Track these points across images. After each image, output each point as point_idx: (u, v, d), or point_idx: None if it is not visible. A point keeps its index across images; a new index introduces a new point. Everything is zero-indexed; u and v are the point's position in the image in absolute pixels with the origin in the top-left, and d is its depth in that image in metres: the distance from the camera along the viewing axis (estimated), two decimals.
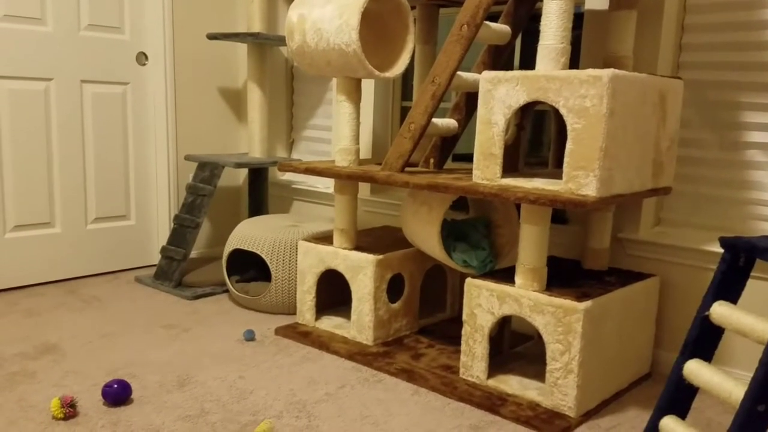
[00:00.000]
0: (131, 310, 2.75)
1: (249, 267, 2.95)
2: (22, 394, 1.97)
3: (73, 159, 3.07)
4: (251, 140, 3.28)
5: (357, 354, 2.30)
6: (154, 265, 3.42)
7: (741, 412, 1.33)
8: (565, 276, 2.13)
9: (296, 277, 2.71)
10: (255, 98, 3.24)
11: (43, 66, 2.93)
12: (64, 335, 2.45)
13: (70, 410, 1.82)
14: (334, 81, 3.26)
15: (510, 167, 2.21)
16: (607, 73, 1.69)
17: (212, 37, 3.13)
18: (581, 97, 1.73)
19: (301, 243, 2.55)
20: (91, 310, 2.74)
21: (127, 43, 3.18)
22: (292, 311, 2.75)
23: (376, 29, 2.40)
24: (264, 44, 3.20)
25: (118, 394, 1.91)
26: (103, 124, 3.15)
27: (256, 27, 3.18)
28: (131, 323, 2.60)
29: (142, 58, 3.24)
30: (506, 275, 2.08)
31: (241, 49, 3.56)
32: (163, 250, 3.08)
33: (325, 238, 2.58)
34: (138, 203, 3.34)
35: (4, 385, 2.02)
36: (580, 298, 1.87)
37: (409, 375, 2.15)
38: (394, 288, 2.47)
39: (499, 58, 2.24)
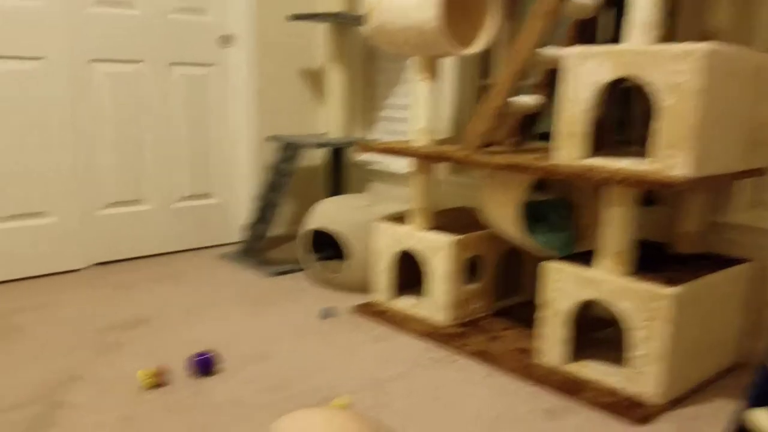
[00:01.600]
0: (216, 286, 2.85)
1: (327, 246, 3.00)
2: (112, 365, 2.08)
3: (162, 139, 3.20)
4: (330, 120, 3.31)
5: (431, 334, 2.30)
6: (237, 243, 3.52)
7: None
8: (651, 260, 2.05)
9: (373, 257, 2.73)
10: (334, 78, 3.27)
11: (134, 49, 3.05)
12: (152, 308, 2.57)
13: (158, 380, 1.91)
14: (413, 60, 3.24)
15: (594, 147, 2.13)
16: (702, 47, 1.60)
17: (295, 18, 3.17)
18: (673, 73, 1.64)
19: (378, 223, 2.56)
20: (179, 285, 2.86)
21: (211, 24, 3.27)
22: (369, 290, 2.78)
23: (457, 5, 2.36)
24: (344, 24, 3.21)
25: (203, 366, 1.98)
26: (189, 105, 3.26)
27: (336, 7, 3.19)
28: (216, 298, 2.69)
29: (225, 40, 3.32)
30: (588, 258, 2.02)
31: (321, 29, 3.59)
32: (245, 228, 3.17)
33: (402, 219, 2.58)
34: (221, 182, 3.44)
35: (95, 356, 2.14)
36: (667, 283, 1.79)
37: (483, 357, 2.13)
38: (470, 269, 2.45)
39: (585, 33, 2.15)
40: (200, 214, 3.39)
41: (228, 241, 3.52)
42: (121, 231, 3.14)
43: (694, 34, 2.19)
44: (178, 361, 2.09)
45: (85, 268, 3.03)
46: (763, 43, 2.07)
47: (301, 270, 3.09)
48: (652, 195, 2.40)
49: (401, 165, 3.34)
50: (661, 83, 1.67)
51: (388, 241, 2.52)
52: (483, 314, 2.50)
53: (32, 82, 2.77)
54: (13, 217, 2.82)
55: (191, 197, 3.35)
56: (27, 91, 2.77)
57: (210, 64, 3.29)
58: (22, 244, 2.85)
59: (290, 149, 3.10)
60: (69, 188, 2.94)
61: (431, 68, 2.31)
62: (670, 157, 1.68)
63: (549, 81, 2.21)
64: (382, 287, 2.58)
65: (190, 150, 3.30)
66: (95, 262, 3.10)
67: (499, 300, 2.59)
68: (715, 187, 2.21)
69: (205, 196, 3.40)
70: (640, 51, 1.70)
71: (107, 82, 2.99)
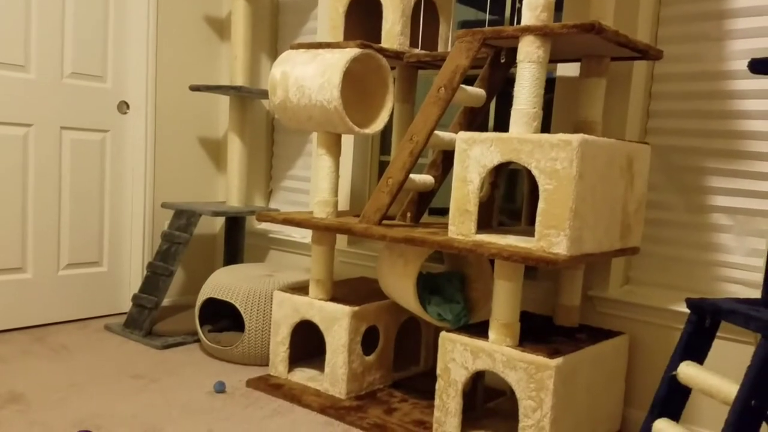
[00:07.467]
0: (99, 360, 2.70)
1: (222, 316, 2.93)
2: None
3: (48, 204, 3.06)
4: (229, 189, 3.30)
5: (329, 408, 2.28)
6: (125, 313, 3.37)
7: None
8: (537, 332, 2.16)
9: (270, 328, 2.70)
10: (235, 148, 3.28)
11: (24, 112, 2.95)
12: (30, 384, 2.40)
13: None
14: (314, 134, 3.32)
15: (484, 223, 2.26)
16: (576, 138, 1.77)
17: (195, 88, 3.19)
18: (552, 159, 1.80)
19: (276, 293, 2.55)
20: (59, 359, 2.69)
21: (109, 91, 3.22)
22: (265, 362, 2.73)
23: (357, 87, 2.47)
24: (246, 97, 3.26)
25: None
26: (80, 170, 3.16)
27: (239, 81, 3.24)
28: (99, 373, 2.55)
29: (123, 106, 3.27)
30: (480, 330, 2.10)
31: (223, 100, 3.62)
32: (135, 297, 3.06)
33: (301, 289, 2.59)
34: (111, 250, 3.31)
35: None
36: (551, 354, 1.89)
37: (381, 430, 2.14)
38: (368, 340, 2.47)
39: (475, 119, 2.31)
40: (88, 283, 3.23)
41: (117, 312, 3.36)
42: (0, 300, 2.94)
43: (569, 126, 2.40)
44: None
45: None
46: (635, 133, 2.31)
47: (194, 342, 3.00)
48: (535, 270, 2.55)
49: (302, 234, 3.36)
50: (542, 168, 1.82)
51: (286, 312, 2.51)
52: (381, 386, 2.51)
53: None
54: None
55: (78, 265, 3.19)
56: None
57: (106, 130, 3.22)
58: None
59: (185, 216, 3.05)
60: None
61: (333, 144, 2.39)
62: (551, 235, 1.82)
63: (442, 161, 2.34)
64: (279, 359, 2.55)
65: (80, 216, 3.16)
66: None
67: (398, 371, 2.62)
68: (593, 264, 2.38)
69: (94, 263, 3.25)
70: (524, 139, 1.86)
71: None
